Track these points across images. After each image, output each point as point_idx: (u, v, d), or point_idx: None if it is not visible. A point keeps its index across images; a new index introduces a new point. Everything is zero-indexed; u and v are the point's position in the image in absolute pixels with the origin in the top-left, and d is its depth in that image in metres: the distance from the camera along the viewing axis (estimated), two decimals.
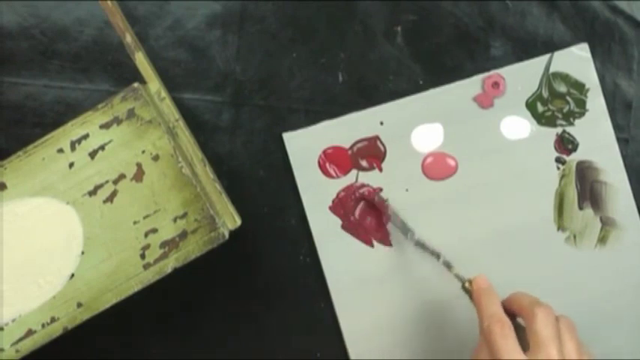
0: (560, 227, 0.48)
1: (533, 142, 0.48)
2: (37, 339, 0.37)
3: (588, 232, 0.48)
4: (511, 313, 0.39)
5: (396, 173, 0.48)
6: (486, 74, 0.48)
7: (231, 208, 0.40)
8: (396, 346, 0.47)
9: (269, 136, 0.48)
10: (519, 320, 0.39)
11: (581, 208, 0.48)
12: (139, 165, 0.38)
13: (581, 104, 0.49)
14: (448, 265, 0.44)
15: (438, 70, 0.48)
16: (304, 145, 0.47)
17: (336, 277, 0.47)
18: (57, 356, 0.41)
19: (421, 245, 0.46)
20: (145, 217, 0.38)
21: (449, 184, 0.48)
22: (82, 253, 0.38)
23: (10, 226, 0.38)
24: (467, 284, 0.42)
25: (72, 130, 0.38)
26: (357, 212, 0.47)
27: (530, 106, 0.48)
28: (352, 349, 0.47)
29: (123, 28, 0.39)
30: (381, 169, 0.48)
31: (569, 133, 0.48)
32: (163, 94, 0.40)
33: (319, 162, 0.47)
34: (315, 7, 0.48)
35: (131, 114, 0.38)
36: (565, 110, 0.48)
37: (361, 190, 0.47)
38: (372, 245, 0.47)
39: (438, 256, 0.45)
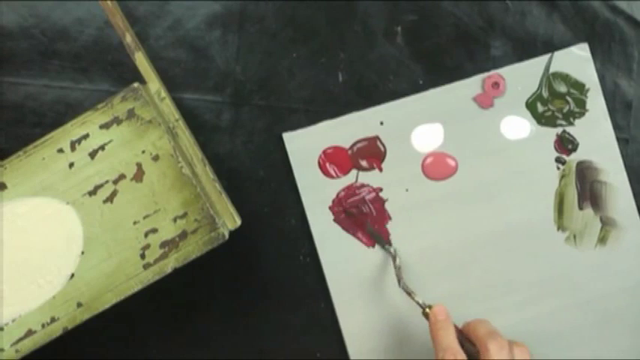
0: (560, 227, 0.48)
1: (533, 142, 0.48)
2: (37, 339, 0.37)
3: (588, 232, 0.48)
4: (468, 340, 0.40)
5: (396, 173, 0.48)
6: (486, 74, 0.48)
7: (231, 208, 0.40)
8: (396, 346, 0.47)
9: (269, 136, 0.48)
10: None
11: (581, 208, 0.48)
12: (139, 165, 0.38)
13: (581, 104, 0.49)
14: (409, 292, 0.44)
15: (438, 70, 0.48)
16: (304, 145, 0.47)
17: (336, 277, 0.47)
18: (57, 356, 0.41)
19: (394, 260, 0.46)
20: (145, 217, 0.38)
21: (449, 184, 0.48)
22: (82, 253, 0.38)
23: (10, 226, 0.38)
24: (427, 310, 0.42)
25: (72, 130, 0.38)
26: (359, 213, 0.47)
27: (530, 106, 0.48)
28: (352, 349, 0.47)
29: (123, 28, 0.39)
30: (381, 169, 0.48)
31: (569, 133, 0.48)
32: (163, 94, 0.40)
33: (319, 162, 0.47)
34: (315, 7, 0.48)
35: (131, 114, 0.38)
36: (565, 110, 0.48)
37: (360, 190, 0.47)
38: (372, 245, 0.47)
39: (399, 280, 0.45)
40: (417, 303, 0.43)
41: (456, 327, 0.41)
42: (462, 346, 0.40)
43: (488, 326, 0.40)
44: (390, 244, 0.47)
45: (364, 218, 0.47)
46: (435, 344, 0.40)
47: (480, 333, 0.39)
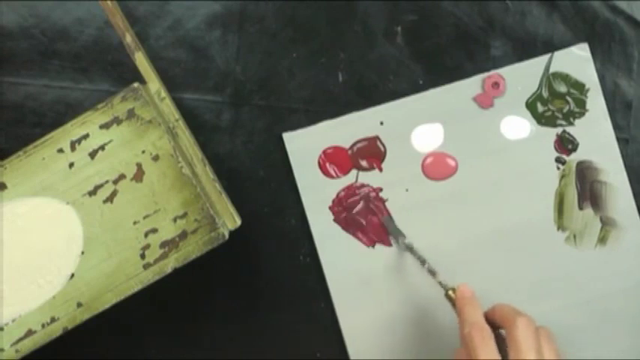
0: (560, 227, 0.48)
1: (533, 142, 0.48)
2: (37, 339, 0.37)
3: (588, 232, 0.48)
4: (492, 324, 0.40)
5: (396, 173, 0.48)
6: (486, 74, 0.48)
7: (231, 208, 0.40)
8: (396, 346, 0.47)
9: (269, 136, 0.48)
10: (500, 332, 0.39)
11: (581, 208, 0.48)
12: (139, 165, 0.38)
13: (581, 104, 0.49)
14: (432, 273, 0.44)
15: (438, 70, 0.48)
16: (304, 145, 0.47)
17: (336, 277, 0.47)
18: (57, 356, 0.41)
19: (410, 250, 0.46)
20: (145, 217, 0.38)
21: (449, 184, 0.48)
22: (82, 253, 0.38)
23: (10, 226, 0.38)
24: (450, 292, 0.42)
25: (72, 130, 0.38)
26: (357, 212, 0.47)
27: (530, 106, 0.48)
28: (352, 349, 0.47)
29: (123, 28, 0.39)
30: (381, 169, 0.48)
31: (569, 133, 0.48)
32: (163, 94, 0.40)
33: (319, 162, 0.47)
34: (315, 7, 0.48)
35: (131, 114, 0.38)
36: (565, 110, 0.48)
37: (360, 190, 0.47)
38: (372, 245, 0.47)
39: (423, 262, 0.45)
40: (440, 283, 0.43)
41: None
42: None
43: (513, 307, 0.40)
44: (390, 244, 0.47)
45: (381, 211, 0.47)
46: (460, 320, 0.40)
47: (505, 311, 0.39)
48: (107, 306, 0.38)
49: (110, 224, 0.38)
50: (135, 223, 0.38)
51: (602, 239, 0.48)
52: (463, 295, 0.41)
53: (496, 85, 0.48)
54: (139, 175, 0.38)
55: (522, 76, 0.48)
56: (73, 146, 0.38)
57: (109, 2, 0.39)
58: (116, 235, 0.38)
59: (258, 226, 0.47)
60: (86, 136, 0.38)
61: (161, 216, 0.38)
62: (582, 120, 0.48)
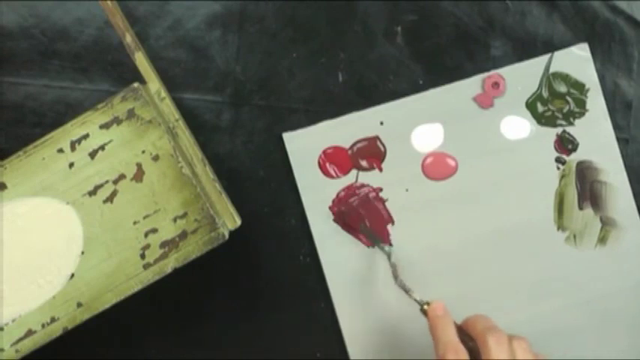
0: (560, 227, 0.48)
1: (533, 142, 0.48)
2: (37, 339, 0.37)
3: (588, 232, 0.48)
4: (468, 336, 0.39)
5: (396, 173, 0.48)
6: (486, 74, 0.48)
7: (231, 208, 0.40)
8: (396, 346, 0.47)
9: (269, 136, 0.48)
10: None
11: (581, 208, 0.48)
12: (139, 165, 0.38)
13: (581, 104, 0.49)
14: (405, 289, 0.44)
15: (438, 70, 0.48)
16: (304, 145, 0.47)
17: (336, 277, 0.47)
18: (57, 356, 0.41)
19: (388, 258, 0.46)
20: (145, 217, 0.38)
21: (449, 184, 0.48)
22: (82, 253, 0.38)
23: (10, 226, 0.38)
24: (425, 306, 0.42)
25: (72, 130, 0.38)
26: (357, 212, 0.47)
27: (530, 106, 0.48)
28: (352, 349, 0.47)
29: (123, 28, 0.39)
30: (381, 169, 0.48)
31: (569, 133, 0.48)
32: (163, 94, 0.40)
33: (319, 162, 0.47)
34: (315, 7, 0.48)
35: (131, 114, 0.38)
36: (565, 110, 0.48)
37: (360, 190, 0.47)
38: (372, 245, 0.47)
39: (396, 277, 0.45)
40: (415, 300, 0.43)
41: (455, 323, 0.41)
42: (462, 342, 0.39)
43: (486, 321, 0.40)
44: (390, 243, 0.47)
45: (360, 218, 0.47)
46: (434, 340, 0.40)
47: (478, 328, 0.39)
48: (107, 306, 0.38)
49: (110, 224, 0.38)
50: (135, 223, 0.38)
51: (602, 239, 0.48)
52: (435, 313, 0.40)
53: (496, 85, 0.48)
54: (139, 175, 0.38)
55: (522, 76, 0.48)
56: (73, 146, 0.38)
57: (109, 2, 0.39)
58: (116, 235, 0.38)
59: (258, 226, 0.47)
60: (86, 136, 0.38)
61: (161, 216, 0.38)
62: (582, 120, 0.48)
